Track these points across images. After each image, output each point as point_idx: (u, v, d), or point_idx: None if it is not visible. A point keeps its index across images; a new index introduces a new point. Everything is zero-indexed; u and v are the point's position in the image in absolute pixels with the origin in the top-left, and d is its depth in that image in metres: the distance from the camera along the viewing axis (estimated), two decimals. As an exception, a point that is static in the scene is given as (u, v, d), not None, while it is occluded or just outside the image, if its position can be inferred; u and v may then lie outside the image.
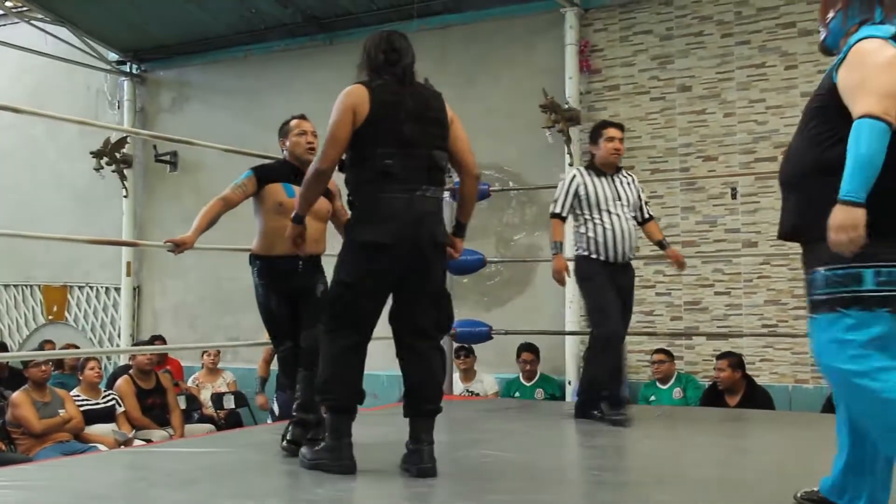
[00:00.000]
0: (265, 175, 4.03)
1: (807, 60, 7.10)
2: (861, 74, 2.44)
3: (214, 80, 9.97)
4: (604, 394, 4.77)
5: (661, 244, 5.17)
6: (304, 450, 3.50)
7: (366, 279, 3.27)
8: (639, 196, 5.07)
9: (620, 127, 5.08)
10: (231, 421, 7.69)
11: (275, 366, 7.05)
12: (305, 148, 3.98)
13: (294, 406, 3.82)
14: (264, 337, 7.20)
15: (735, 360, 6.36)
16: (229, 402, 7.96)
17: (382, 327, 3.45)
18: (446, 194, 6.04)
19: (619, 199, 4.91)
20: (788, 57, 7.17)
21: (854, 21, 2.61)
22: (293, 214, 3.50)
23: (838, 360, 2.44)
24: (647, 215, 5.14)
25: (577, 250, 4.95)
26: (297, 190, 3.66)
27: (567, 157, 7.70)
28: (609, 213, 4.86)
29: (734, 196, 7.24)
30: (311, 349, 3.65)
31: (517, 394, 7.31)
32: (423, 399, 3.37)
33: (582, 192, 4.89)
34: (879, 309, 2.41)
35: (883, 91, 2.39)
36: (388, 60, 3.42)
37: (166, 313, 10.01)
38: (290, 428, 3.81)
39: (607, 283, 4.78)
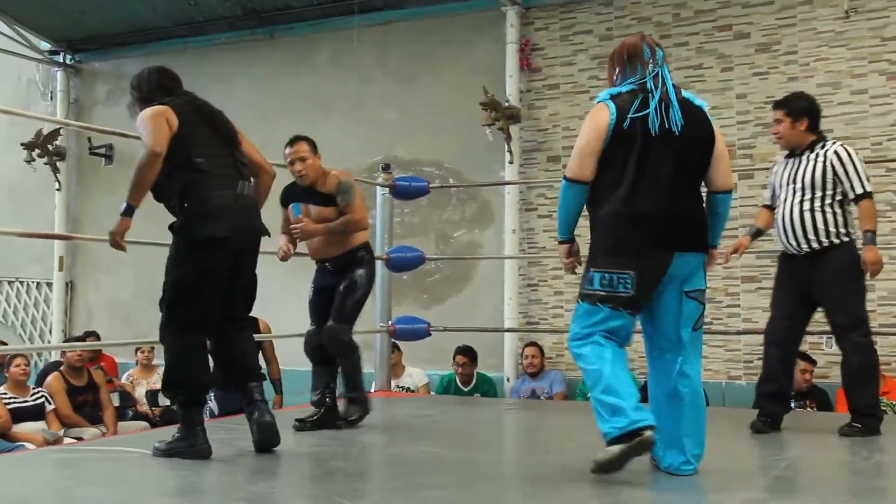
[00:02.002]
0: (285, 198, 4.58)
1: (742, 63, 7.23)
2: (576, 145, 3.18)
3: (151, 73, 9.78)
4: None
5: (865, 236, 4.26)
6: (157, 443, 3.60)
7: (206, 276, 3.55)
8: (825, 172, 4.25)
9: (776, 105, 4.48)
10: (166, 418, 7.55)
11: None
12: (298, 176, 4.47)
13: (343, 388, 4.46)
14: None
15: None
16: (164, 399, 7.82)
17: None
18: (386, 191, 6.06)
19: (793, 181, 4.34)
20: (725, 59, 7.29)
21: (624, 81, 3.21)
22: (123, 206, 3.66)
23: (571, 339, 3.18)
24: (853, 192, 4.24)
25: None
26: (303, 208, 4.45)
27: (507, 154, 7.73)
28: (782, 198, 4.39)
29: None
30: (329, 343, 4.39)
31: (453, 396, 7.30)
32: (253, 367, 3.72)
33: (770, 177, 4.57)
34: (602, 304, 3.11)
35: (578, 151, 3.14)
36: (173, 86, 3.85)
37: (100, 309, 9.81)
38: (347, 407, 4.43)
39: (782, 280, 4.43)
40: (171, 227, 3.67)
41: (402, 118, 8.50)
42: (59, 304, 9.86)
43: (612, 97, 3.13)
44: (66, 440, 6.28)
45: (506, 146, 7.71)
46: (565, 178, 3.15)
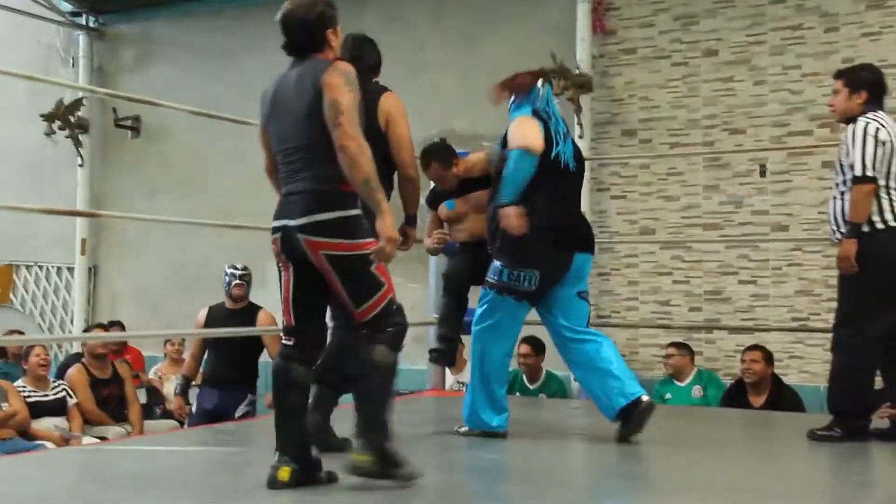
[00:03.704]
0: (431, 200, 5.06)
1: (850, 22, 7.06)
2: (514, 132, 4.19)
3: (183, 37, 9.88)
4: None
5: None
6: None
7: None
8: (840, 153, 4.36)
9: (835, 75, 4.56)
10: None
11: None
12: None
13: None
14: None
15: (767, 354, 6.35)
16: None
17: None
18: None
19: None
20: (829, 18, 7.11)
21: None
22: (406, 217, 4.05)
23: (475, 321, 4.31)
24: (851, 174, 4.25)
25: None
26: (458, 203, 4.87)
27: (577, 127, 7.64)
28: None
29: (763, 174, 7.21)
30: None
31: (517, 394, 7.27)
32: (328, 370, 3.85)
33: None
34: (507, 295, 4.18)
35: (532, 134, 4.14)
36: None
37: (126, 296, 9.96)
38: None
39: None
40: None
41: (461, 87, 8.45)
42: (82, 290, 10.02)
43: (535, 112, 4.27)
44: (87, 440, 6.39)
45: (576, 118, 7.62)
46: (524, 147, 4.07)
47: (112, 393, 6.98)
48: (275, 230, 3.23)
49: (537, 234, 4.09)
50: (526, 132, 4.14)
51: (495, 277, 4.20)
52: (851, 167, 4.21)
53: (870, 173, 4.17)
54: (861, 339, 4.26)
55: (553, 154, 4.19)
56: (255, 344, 6.42)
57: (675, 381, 6.94)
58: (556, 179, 4.20)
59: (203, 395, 6.46)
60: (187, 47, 9.82)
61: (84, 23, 10.29)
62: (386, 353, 3.16)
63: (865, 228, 4.21)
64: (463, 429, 4.37)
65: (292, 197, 3.19)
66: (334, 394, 3.90)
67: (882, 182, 4.22)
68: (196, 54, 9.70)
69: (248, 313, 6.42)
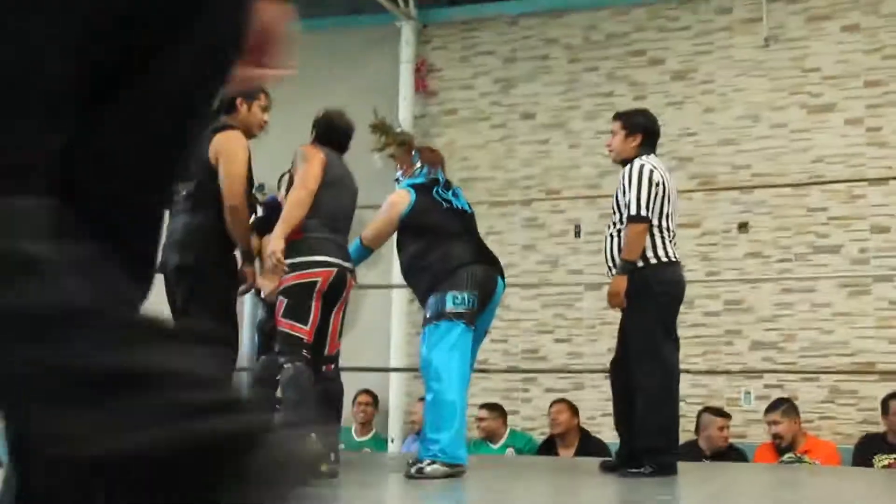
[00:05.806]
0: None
1: (656, 91, 7.47)
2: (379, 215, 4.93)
3: None
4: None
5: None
6: None
7: None
8: (617, 192, 4.62)
9: (614, 117, 4.89)
10: None
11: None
12: None
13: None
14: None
15: (572, 406, 6.53)
16: None
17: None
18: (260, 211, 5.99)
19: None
20: (637, 86, 7.52)
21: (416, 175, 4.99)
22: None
23: (431, 353, 4.32)
24: (626, 213, 4.51)
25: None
26: None
27: (396, 184, 7.74)
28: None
29: (578, 234, 7.47)
30: None
31: (341, 446, 7.22)
32: None
33: None
34: (457, 320, 4.30)
35: (377, 225, 4.88)
36: None
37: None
38: None
39: None
40: None
41: (282, 144, 8.37)
42: None
43: (413, 186, 4.85)
44: None
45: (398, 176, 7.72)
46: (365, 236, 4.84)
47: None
48: (332, 264, 4.29)
49: (451, 267, 4.44)
50: (381, 219, 4.90)
51: (442, 307, 4.33)
52: (627, 206, 4.45)
53: (643, 213, 4.42)
54: (661, 375, 4.43)
55: (445, 206, 4.67)
56: None
57: (489, 443, 6.99)
58: (455, 223, 4.63)
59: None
60: None
61: None
62: None
63: (640, 264, 4.45)
64: (424, 464, 4.21)
65: (343, 246, 4.44)
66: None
67: (655, 221, 4.47)
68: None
69: None
